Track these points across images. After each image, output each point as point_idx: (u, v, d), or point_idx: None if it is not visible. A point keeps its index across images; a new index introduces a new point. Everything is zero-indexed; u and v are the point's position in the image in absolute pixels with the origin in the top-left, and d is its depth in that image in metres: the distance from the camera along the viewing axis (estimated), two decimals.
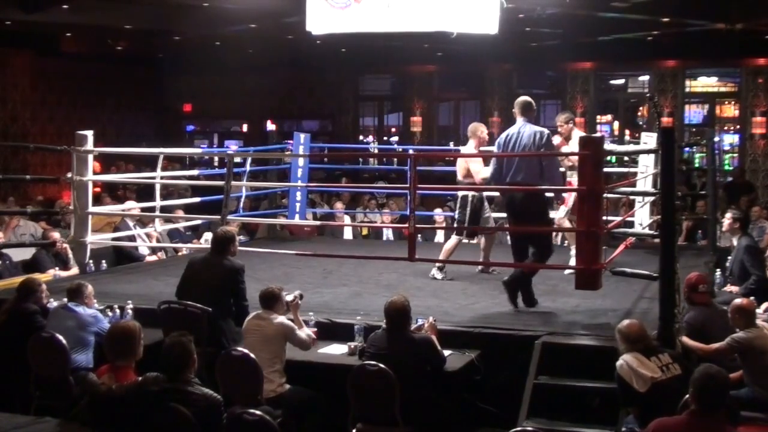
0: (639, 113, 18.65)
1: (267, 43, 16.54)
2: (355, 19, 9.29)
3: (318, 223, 11.95)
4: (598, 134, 13.63)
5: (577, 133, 8.32)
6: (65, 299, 6.27)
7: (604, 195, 6.33)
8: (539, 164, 6.83)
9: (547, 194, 7.87)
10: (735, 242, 8.24)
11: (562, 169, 7.78)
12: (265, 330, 5.65)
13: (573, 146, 8.04)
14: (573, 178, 8.06)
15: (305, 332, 5.86)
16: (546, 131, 6.99)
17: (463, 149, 8.60)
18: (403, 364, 5.25)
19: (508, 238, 8.43)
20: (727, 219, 8.36)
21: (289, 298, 5.94)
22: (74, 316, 6.03)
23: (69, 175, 8.84)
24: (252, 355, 5.36)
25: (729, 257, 8.41)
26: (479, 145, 8.29)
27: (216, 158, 18.98)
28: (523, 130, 6.97)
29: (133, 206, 10.05)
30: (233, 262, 6.27)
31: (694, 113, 18.20)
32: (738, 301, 5.93)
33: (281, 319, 5.74)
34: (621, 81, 19.02)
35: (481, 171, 7.94)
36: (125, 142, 18.41)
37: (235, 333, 5.96)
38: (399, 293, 5.82)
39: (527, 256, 6.96)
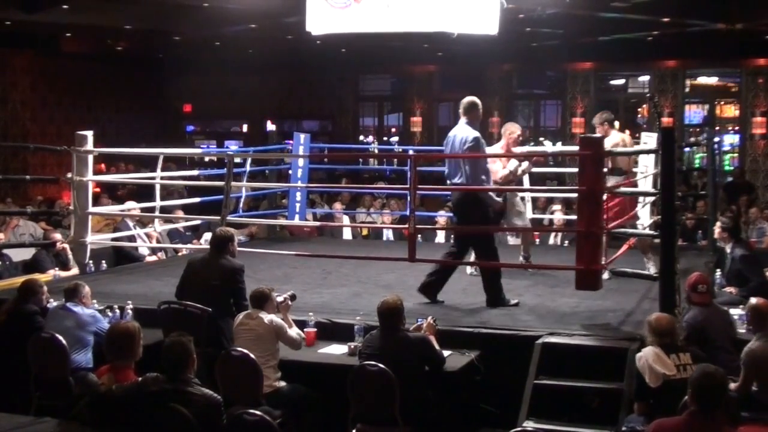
0: (639, 113, 18.64)
1: (267, 43, 16.53)
2: (355, 19, 9.27)
3: (318, 223, 11.94)
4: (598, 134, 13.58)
5: (615, 135, 8.11)
6: (64, 299, 6.27)
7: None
8: (464, 166, 6.87)
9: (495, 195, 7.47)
10: (728, 250, 8.21)
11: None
12: (256, 329, 5.68)
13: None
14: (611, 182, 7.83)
15: (295, 331, 5.89)
16: (472, 135, 6.92)
17: (489, 149, 8.53)
18: (399, 364, 5.23)
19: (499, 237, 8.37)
20: (717, 228, 8.33)
21: (279, 299, 5.95)
22: (73, 315, 6.03)
23: (69, 175, 8.84)
24: (252, 356, 5.36)
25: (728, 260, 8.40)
26: (508, 145, 8.20)
27: (213, 158, 18.97)
28: (456, 132, 7.05)
29: (133, 206, 10.05)
30: (232, 262, 6.27)
31: (694, 113, 18.19)
32: (754, 300, 5.84)
33: (271, 316, 5.76)
34: (621, 81, 19.01)
35: (499, 171, 7.95)
36: (125, 142, 18.39)
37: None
38: (394, 293, 5.82)
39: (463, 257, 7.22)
